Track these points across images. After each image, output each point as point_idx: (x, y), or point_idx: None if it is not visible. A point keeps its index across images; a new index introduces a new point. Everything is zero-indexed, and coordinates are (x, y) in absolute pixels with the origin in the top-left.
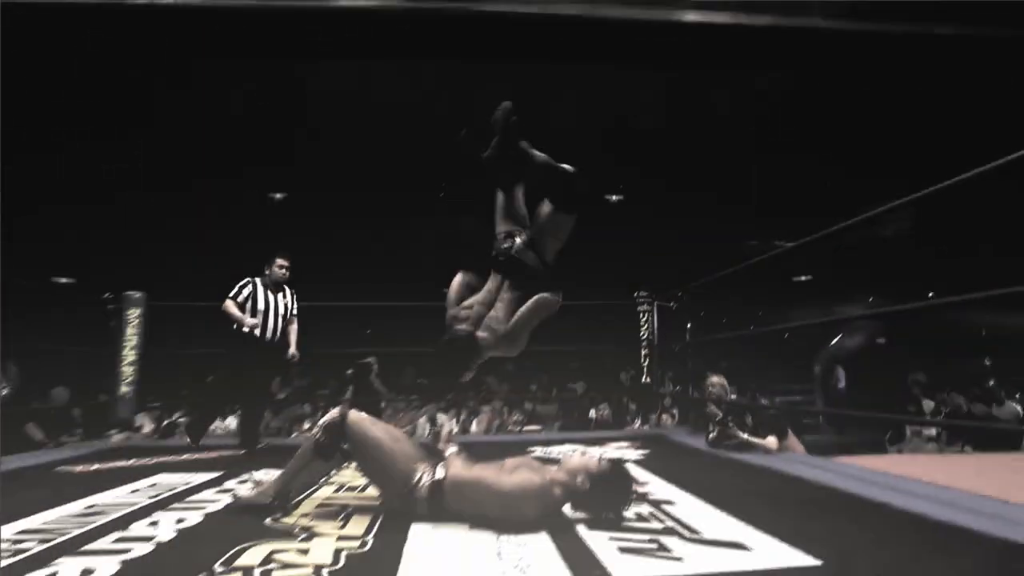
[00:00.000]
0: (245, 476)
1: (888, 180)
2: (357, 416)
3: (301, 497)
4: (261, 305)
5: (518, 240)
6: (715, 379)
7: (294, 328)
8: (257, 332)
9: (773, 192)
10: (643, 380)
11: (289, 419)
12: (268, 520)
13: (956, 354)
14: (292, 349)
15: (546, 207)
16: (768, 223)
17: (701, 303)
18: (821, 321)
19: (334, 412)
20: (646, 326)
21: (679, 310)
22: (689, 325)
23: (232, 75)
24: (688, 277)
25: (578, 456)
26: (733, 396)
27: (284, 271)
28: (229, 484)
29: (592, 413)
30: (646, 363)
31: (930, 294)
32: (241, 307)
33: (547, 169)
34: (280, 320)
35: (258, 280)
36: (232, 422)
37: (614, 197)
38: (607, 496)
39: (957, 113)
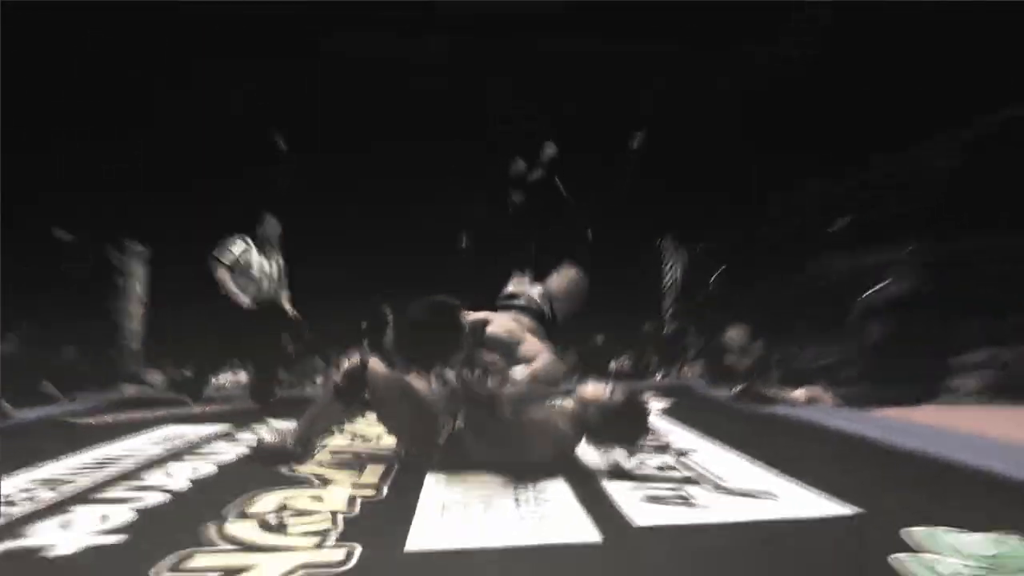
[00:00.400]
0: (259, 427)
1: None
2: (378, 364)
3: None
4: (254, 268)
5: (535, 290)
6: (733, 332)
7: (285, 291)
8: (248, 300)
9: (806, 133)
10: (666, 331)
11: (300, 374)
12: (283, 469)
13: (1011, 303)
14: (290, 309)
15: (563, 268)
16: (803, 161)
17: (728, 250)
18: (855, 269)
19: (355, 359)
20: (670, 274)
21: (704, 258)
22: (715, 273)
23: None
24: (715, 224)
25: (591, 386)
26: (758, 348)
27: (276, 231)
28: (242, 435)
29: (612, 364)
30: (669, 313)
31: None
32: (231, 269)
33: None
34: (271, 283)
35: (248, 240)
36: (243, 376)
37: (636, 139)
38: (622, 428)
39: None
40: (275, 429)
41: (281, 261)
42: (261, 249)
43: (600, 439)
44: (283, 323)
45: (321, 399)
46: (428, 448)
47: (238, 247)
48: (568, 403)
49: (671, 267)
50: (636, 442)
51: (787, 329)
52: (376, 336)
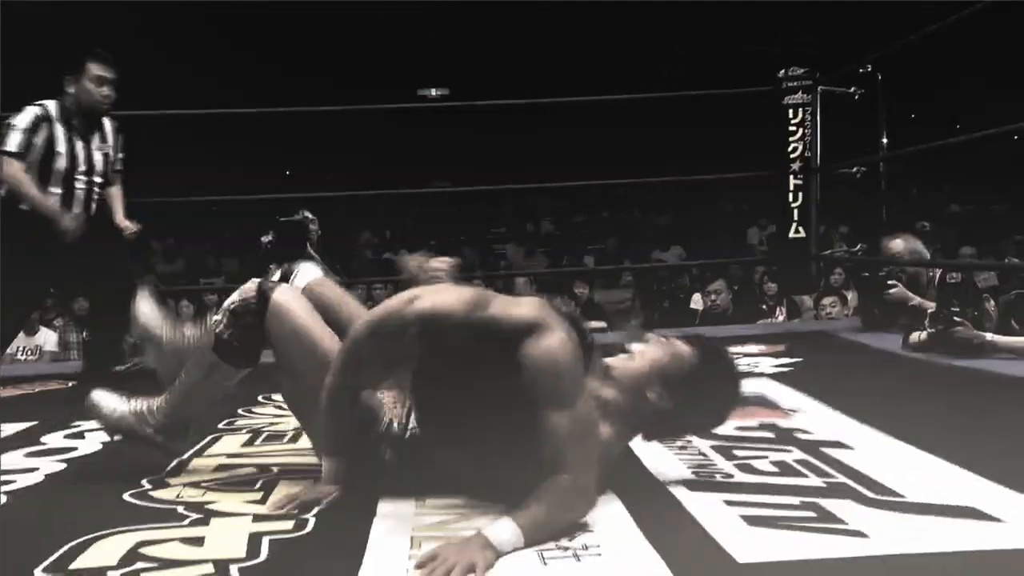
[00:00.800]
0: (79, 422)
1: None
2: (288, 297)
3: (192, 449)
4: (62, 160)
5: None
6: (898, 242)
7: (117, 189)
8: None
9: None
10: (790, 236)
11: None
12: (130, 492)
13: None
14: (120, 219)
15: None
16: None
17: (907, 87)
18: None
19: (249, 286)
20: (800, 134)
21: (865, 102)
22: (885, 132)
23: None
24: (883, 38)
25: (643, 350)
26: (954, 274)
27: (105, 89)
28: (52, 439)
29: (697, 299)
30: (797, 206)
31: None
32: (31, 164)
33: None
34: (97, 181)
35: (53, 110)
36: (49, 338)
37: None
38: (699, 405)
39: None
40: (127, 408)
41: (111, 135)
42: (72, 122)
43: (665, 430)
44: (117, 244)
45: (195, 362)
46: (368, 455)
47: (27, 117)
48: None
49: (804, 120)
50: (718, 424)
51: (1014, 232)
52: (291, 254)
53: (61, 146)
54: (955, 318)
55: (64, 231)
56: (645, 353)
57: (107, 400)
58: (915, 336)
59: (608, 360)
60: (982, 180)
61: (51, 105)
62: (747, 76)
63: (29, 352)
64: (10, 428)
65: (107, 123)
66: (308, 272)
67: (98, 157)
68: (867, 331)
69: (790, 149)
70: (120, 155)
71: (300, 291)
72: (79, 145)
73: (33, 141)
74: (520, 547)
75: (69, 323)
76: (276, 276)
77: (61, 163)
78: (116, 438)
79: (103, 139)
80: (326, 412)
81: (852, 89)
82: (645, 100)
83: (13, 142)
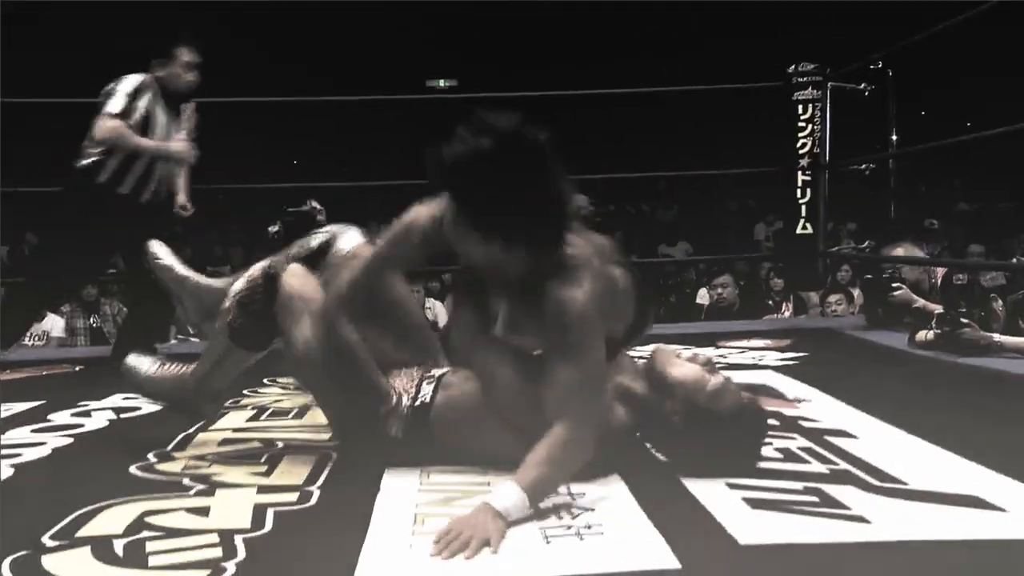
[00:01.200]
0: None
1: None
2: (298, 278)
3: (196, 424)
4: (158, 131)
5: None
6: (899, 251)
7: (185, 170)
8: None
9: None
10: (798, 232)
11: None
12: (136, 465)
13: None
14: (181, 197)
15: None
16: None
17: (916, 84)
18: None
19: (255, 272)
20: (809, 130)
21: (875, 98)
22: (894, 129)
23: None
24: (891, 38)
25: (681, 360)
26: (960, 275)
27: (191, 74)
28: (56, 417)
29: (703, 294)
30: (805, 202)
31: None
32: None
33: None
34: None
35: (150, 83)
36: (56, 324)
37: None
38: (716, 448)
39: None
40: (163, 372)
41: (190, 116)
42: (162, 98)
43: (671, 449)
44: (165, 220)
45: (213, 342)
46: (376, 428)
47: (130, 84)
48: (633, 376)
49: (813, 116)
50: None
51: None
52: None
53: (155, 118)
54: (962, 319)
55: (181, 159)
56: (692, 370)
57: (143, 363)
58: (921, 335)
59: (656, 353)
60: (991, 178)
61: (148, 79)
62: (757, 71)
63: (36, 338)
64: (16, 407)
65: (187, 105)
66: (350, 238)
67: (181, 134)
68: (872, 330)
69: (799, 145)
70: (193, 139)
71: (340, 257)
72: (162, 125)
73: (134, 105)
74: (527, 510)
75: (76, 309)
76: (317, 241)
77: (155, 133)
78: (134, 399)
79: (183, 117)
80: (346, 288)
81: (862, 85)
82: (653, 94)
83: (117, 104)
